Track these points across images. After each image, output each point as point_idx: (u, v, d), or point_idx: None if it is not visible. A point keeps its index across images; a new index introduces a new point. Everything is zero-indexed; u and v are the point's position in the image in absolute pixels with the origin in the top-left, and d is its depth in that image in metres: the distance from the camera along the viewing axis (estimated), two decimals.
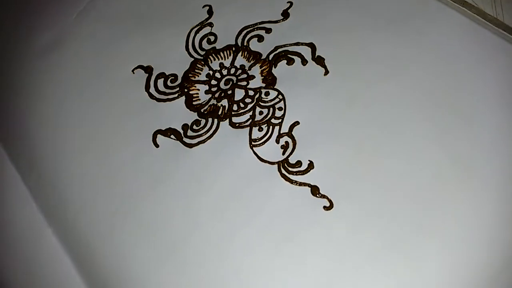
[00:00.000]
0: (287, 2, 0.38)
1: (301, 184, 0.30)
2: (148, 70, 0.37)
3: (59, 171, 0.35)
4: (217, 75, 0.36)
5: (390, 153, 0.31)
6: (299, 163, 0.31)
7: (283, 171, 0.31)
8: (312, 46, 0.35)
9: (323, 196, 0.30)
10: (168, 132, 0.34)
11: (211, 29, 0.38)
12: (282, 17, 0.37)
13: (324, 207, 0.29)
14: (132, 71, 0.38)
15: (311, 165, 0.31)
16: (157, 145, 0.34)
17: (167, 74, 0.37)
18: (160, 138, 0.34)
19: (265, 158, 0.32)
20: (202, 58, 0.37)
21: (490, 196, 0.28)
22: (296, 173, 0.31)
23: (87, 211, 0.34)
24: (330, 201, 0.29)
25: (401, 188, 0.29)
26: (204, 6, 0.39)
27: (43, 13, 0.43)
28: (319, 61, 0.34)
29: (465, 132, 0.30)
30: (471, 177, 0.28)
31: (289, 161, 0.31)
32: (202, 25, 0.39)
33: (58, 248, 0.34)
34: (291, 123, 0.33)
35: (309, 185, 0.30)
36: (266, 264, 0.29)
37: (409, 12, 0.35)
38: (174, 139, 0.34)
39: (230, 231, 0.30)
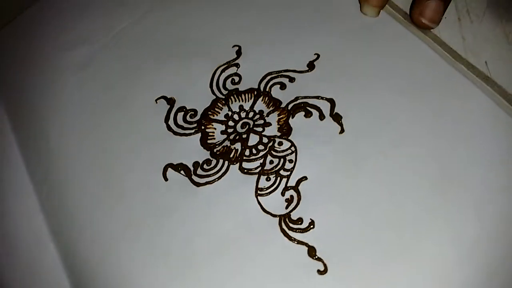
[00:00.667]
0: (314, 54, 0.38)
1: (299, 242, 0.31)
2: (170, 102, 0.38)
3: (69, 187, 0.37)
4: (235, 117, 0.37)
5: (394, 224, 0.30)
6: (300, 220, 0.31)
7: (283, 226, 0.31)
8: (331, 101, 0.35)
9: (319, 259, 0.30)
10: (179, 167, 0.35)
11: (236, 70, 0.39)
12: (307, 68, 0.38)
13: (318, 271, 0.29)
14: (156, 100, 0.39)
15: (312, 224, 0.31)
16: (166, 179, 0.35)
17: (187, 108, 0.38)
18: (170, 172, 0.35)
19: (268, 210, 0.32)
20: (223, 97, 0.38)
21: None
22: (296, 230, 0.31)
23: (91, 231, 0.35)
24: (325, 265, 0.29)
25: (402, 262, 0.29)
26: (233, 46, 0.40)
27: (81, 29, 0.45)
28: (336, 118, 0.35)
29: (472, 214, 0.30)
30: None
31: (291, 216, 0.32)
32: (229, 64, 0.39)
33: (57, 264, 0.35)
34: (299, 178, 0.33)
35: (307, 244, 0.30)
36: None
37: (434, 80, 0.35)
38: (183, 175, 0.35)
39: (222, 277, 0.31)
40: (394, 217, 0.30)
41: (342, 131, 0.34)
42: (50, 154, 0.38)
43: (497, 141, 0.32)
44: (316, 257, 0.30)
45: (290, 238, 0.31)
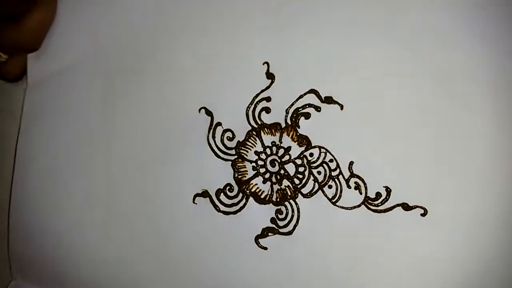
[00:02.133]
0: (263, 64, 0.40)
1: (391, 208, 0.36)
2: (205, 195, 0.42)
3: None
4: (260, 162, 0.40)
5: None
6: (379, 194, 0.37)
7: (372, 207, 0.37)
8: (314, 91, 0.39)
9: (417, 207, 0.36)
10: (265, 232, 0.40)
11: (222, 127, 0.41)
12: (270, 80, 0.40)
13: (421, 214, 0.36)
14: (193, 201, 0.42)
15: (388, 190, 0.37)
16: (265, 248, 0.40)
17: (222, 187, 0.41)
18: (262, 241, 0.40)
19: (350, 207, 0.38)
20: (236, 156, 0.41)
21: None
22: (382, 202, 0.37)
23: None
24: (424, 209, 0.36)
25: None
26: (200, 110, 0.42)
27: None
28: (329, 100, 0.38)
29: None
30: None
31: (370, 196, 0.37)
32: (212, 128, 0.42)
33: None
34: (347, 165, 0.38)
35: (397, 204, 0.36)
36: None
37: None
38: (273, 235, 0.40)
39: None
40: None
41: (342, 107, 0.38)
42: None
43: None
44: (412, 207, 0.36)
45: (383, 211, 0.36)
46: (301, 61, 0.39)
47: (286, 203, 0.39)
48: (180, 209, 0.42)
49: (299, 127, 0.39)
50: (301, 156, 0.39)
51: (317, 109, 0.38)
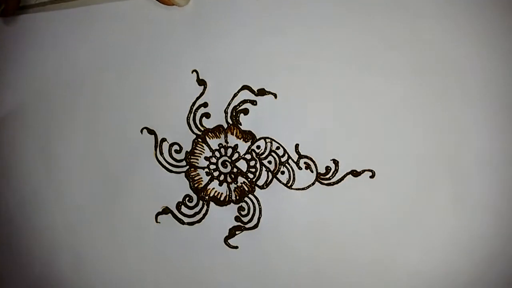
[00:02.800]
0: (192, 72, 0.41)
1: (342, 178, 0.38)
2: (166, 211, 0.42)
3: None
4: (212, 166, 0.41)
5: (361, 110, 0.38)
6: (328, 168, 0.39)
7: (325, 182, 0.39)
8: (247, 87, 0.40)
9: (363, 171, 0.38)
10: (233, 232, 0.41)
11: (170, 140, 0.42)
12: (202, 86, 0.41)
13: (370, 177, 0.38)
14: (156, 220, 0.42)
15: (336, 162, 0.38)
16: (236, 247, 0.41)
17: (180, 200, 0.42)
18: (232, 241, 0.41)
19: (305, 186, 0.39)
20: (188, 166, 0.42)
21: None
22: (333, 175, 0.39)
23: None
24: (371, 171, 0.38)
25: None
26: (142, 130, 0.42)
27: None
28: (262, 92, 0.40)
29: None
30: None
31: (321, 172, 0.39)
32: (159, 145, 0.42)
33: None
34: (294, 149, 0.39)
35: (347, 173, 0.38)
36: None
37: None
38: (241, 232, 0.41)
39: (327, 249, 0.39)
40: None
41: (275, 96, 0.39)
42: None
43: None
44: (361, 171, 0.38)
45: (336, 182, 0.38)
46: (228, 62, 0.40)
47: (246, 199, 0.40)
48: (146, 231, 0.42)
49: (240, 124, 0.40)
50: (249, 150, 0.40)
51: (253, 102, 0.40)
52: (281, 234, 0.39)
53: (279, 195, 0.39)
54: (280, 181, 0.39)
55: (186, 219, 0.41)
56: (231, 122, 0.40)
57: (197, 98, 0.41)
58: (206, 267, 0.41)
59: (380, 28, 0.36)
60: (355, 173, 0.38)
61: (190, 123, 0.41)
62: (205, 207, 0.41)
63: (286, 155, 0.39)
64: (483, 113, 0.35)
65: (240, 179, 0.40)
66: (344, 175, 0.38)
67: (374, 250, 0.37)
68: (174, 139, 0.42)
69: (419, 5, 0.36)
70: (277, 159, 0.40)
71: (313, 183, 0.39)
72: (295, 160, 0.39)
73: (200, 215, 0.41)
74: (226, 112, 0.40)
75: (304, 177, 0.39)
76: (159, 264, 0.42)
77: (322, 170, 0.39)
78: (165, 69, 0.42)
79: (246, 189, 0.40)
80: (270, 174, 0.40)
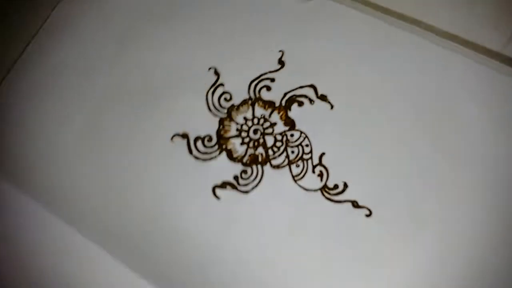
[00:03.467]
0: (279, 51, 0.46)
1: (344, 201, 0.41)
2: (184, 136, 0.45)
3: None
4: (245, 127, 0.44)
5: (395, 154, 0.41)
6: (336, 186, 0.41)
7: (326, 195, 0.41)
8: (313, 87, 0.44)
9: (363, 207, 0.40)
10: (225, 185, 0.43)
11: (223, 89, 0.46)
12: (280, 65, 0.45)
13: (366, 215, 0.40)
14: (171, 139, 0.45)
15: (345, 185, 0.41)
16: (218, 197, 0.42)
17: (202, 136, 0.44)
18: (218, 191, 0.43)
19: (308, 188, 0.41)
20: (226, 115, 0.45)
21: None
22: (336, 194, 0.41)
23: None
24: (369, 209, 0.40)
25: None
26: (209, 69, 0.46)
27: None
28: (323, 98, 0.44)
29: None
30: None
31: (328, 185, 0.41)
32: (214, 87, 0.46)
33: None
34: (319, 155, 0.42)
35: (349, 200, 0.40)
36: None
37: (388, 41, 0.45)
38: (232, 189, 0.42)
39: (296, 252, 0.40)
40: (392, 149, 0.41)
41: (332, 106, 0.43)
42: None
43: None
44: (360, 206, 0.40)
45: (335, 201, 0.40)
46: (311, 59, 0.45)
47: (254, 166, 0.43)
48: (157, 143, 0.44)
49: (290, 110, 0.44)
50: (283, 133, 0.43)
51: (311, 101, 0.44)
52: (262, 208, 0.41)
53: (282, 181, 0.42)
54: (291, 171, 0.42)
55: (195, 152, 0.44)
56: (283, 104, 0.44)
57: (271, 72, 0.45)
58: (183, 202, 0.42)
59: None
60: (355, 204, 0.40)
61: (252, 85, 0.45)
62: (217, 153, 0.43)
63: (310, 154, 0.42)
64: None
65: (260, 150, 0.43)
66: (346, 200, 0.40)
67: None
68: (230, 89, 0.45)
69: None
70: (300, 153, 0.42)
71: (315, 190, 0.41)
72: (314, 164, 0.42)
73: (209, 157, 0.43)
74: (285, 94, 0.44)
75: (312, 181, 0.41)
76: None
77: (330, 184, 0.41)
78: (256, 39, 0.47)
79: (260, 159, 0.43)
80: (287, 160, 0.42)
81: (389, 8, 0.45)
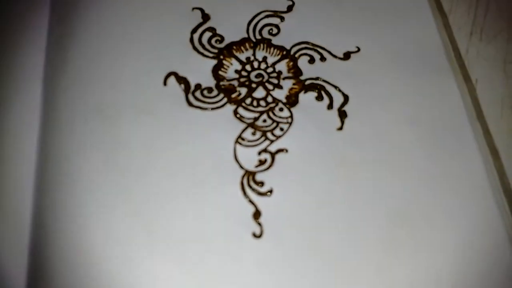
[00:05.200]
0: (356, 47, 0.38)
1: (250, 201, 0.31)
2: (205, 17, 0.38)
3: None
4: (255, 64, 0.37)
5: (340, 229, 0.31)
6: (261, 183, 0.32)
7: (244, 181, 0.32)
8: (346, 98, 0.36)
9: (259, 224, 0.31)
10: (182, 80, 0.35)
11: (279, 22, 0.39)
12: (342, 56, 0.38)
13: (253, 234, 0.30)
14: (193, 8, 0.38)
15: (270, 191, 0.32)
16: (165, 84, 0.35)
17: (216, 32, 0.38)
18: (171, 80, 0.35)
19: (239, 159, 0.33)
20: (254, 41, 0.38)
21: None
22: (254, 189, 0.32)
23: None
24: (261, 232, 0.30)
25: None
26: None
27: None
28: (342, 115, 0.35)
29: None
30: None
31: (256, 176, 0.32)
32: (275, 14, 0.39)
33: None
34: (281, 148, 0.33)
35: (256, 206, 0.31)
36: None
37: None
38: (182, 90, 0.35)
39: (168, 198, 0.31)
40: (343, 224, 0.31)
41: (340, 128, 0.34)
42: None
43: None
44: (258, 221, 0.31)
45: (244, 193, 0.32)
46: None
47: (222, 95, 0.35)
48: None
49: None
50: (277, 101, 0.35)
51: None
52: None
53: (224, 126, 0.34)
54: (242, 131, 0.34)
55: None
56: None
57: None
58: None
59: None
60: (256, 215, 0.31)
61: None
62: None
63: (273, 139, 0.34)
64: None
65: (243, 90, 0.35)
66: (253, 203, 0.31)
67: None
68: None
69: None
70: (268, 128, 0.34)
71: (241, 168, 0.32)
72: (267, 149, 0.33)
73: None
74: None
75: (248, 159, 0.33)
76: None
77: (258, 177, 0.32)
78: None
79: (231, 95, 0.35)
80: (252, 120, 0.34)
81: None
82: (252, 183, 0.32)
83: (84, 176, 0.32)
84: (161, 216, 0.30)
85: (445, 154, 0.33)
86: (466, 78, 0.36)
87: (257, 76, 0.36)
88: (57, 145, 0.33)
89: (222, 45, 0.37)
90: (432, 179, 0.32)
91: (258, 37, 0.38)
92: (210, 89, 0.35)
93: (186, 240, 0.30)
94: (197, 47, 0.37)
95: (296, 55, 0.37)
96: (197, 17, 0.38)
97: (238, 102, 0.35)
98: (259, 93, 0.36)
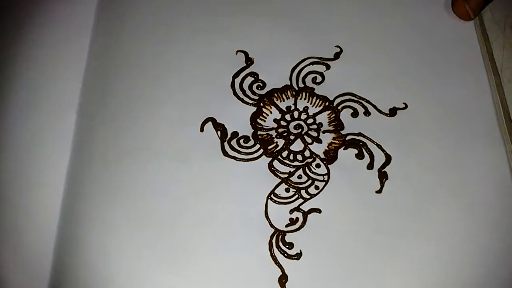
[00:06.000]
0: (403, 103, 0.36)
1: (277, 263, 0.30)
2: (249, 61, 0.37)
3: None
4: (295, 114, 0.36)
5: None
6: (291, 245, 0.31)
7: (273, 240, 0.31)
8: (388, 158, 0.34)
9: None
10: (219, 127, 0.35)
11: (324, 70, 0.37)
12: (388, 113, 0.36)
13: None
14: (237, 52, 0.38)
15: (298, 255, 0.31)
16: (202, 130, 0.34)
17: (259, 77, 0.37)
18: (209, 126, 0.35)
19: (270, 217, 0.32)
20: (297, 89, 0.37)
21: None
22: (282, 251, 0.31)
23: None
24: None
25: None
26: (336, 46, 0.38)
27: None
28: (382, 176, 0.33)
29: None
30: None
31: (285, 237, 0.31)
32: (322, 61, 0.38)
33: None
34: (314, 207, 0.32)
35: (283, 270, 0.30)
36: None
37: None
38: (218, 137, 0.34)
39: (187, 255, 0.31)
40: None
41: (379, 191, 0.32)
42: None
43: None
44: (284, 285, 0.29)
45: (272, 254, 0.30)
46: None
47: (258, 146, 0.34)
48: None
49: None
50: (315, 155, 0.34)
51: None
52: None
53: (258, 182, 0.33)
54: (275, 187, 0.33)
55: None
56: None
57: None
58: None
59: None
60: (282, 280, 0.30)
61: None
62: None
63: (307, 197, 0.32)
64: None
65: (280, 142, 0.34)
66: (283, 267, 0.30)
67: None
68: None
69: None
70: (303, 185, 0.33)
71: (271, 226, 0.31)
72: (299, 207, 0.32)
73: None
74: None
75: (279, 218, 0.32)
76: None
77: (288, 239, 0.31)
78: None
79: (268, 146, 0.34)
80: (286, 175, 0.33)
81: None
82: (281, 244, 0.31)
83: (109, 219, 0.31)
84: (186, 270, 0.30)
85: (487, 231, 0.31)
86: None
87: (296, 127, 0.35)
88: (85, 183, 0.33)
89: (263, 92, 0.36)
90: (471, 259, 0.30)
91: (301, 85, 0.37)
92: (247, 138, 0.34)
93: None
94: (238, 93, 0.36)
95: (339, 107, 0.36)
96: (241, 61, 0.37)
97: (275, 155, 0.34)
98: (297, 146, 0.34)
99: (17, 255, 0.31)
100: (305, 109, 0.36)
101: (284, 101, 0.36)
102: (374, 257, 0.30)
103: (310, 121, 0.35)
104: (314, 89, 0.37)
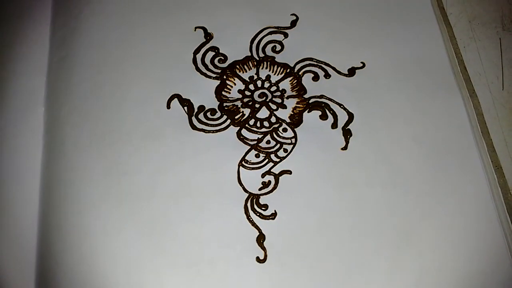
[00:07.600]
0: (361, 62, 0.37)
1: (253, 225, 0.32)
2: (208, 36, 0.38)
3: None
4: (259, 83, 0.37)
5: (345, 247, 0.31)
6: (265, 206, 0.32)
7: (248, 204, 0.32)
8: (351, 116, 0.35)
9: (263, 248, 0.31)
10: (185, 102, 0.35)
11: (283, 39, 0.38)
12: (347, 73, 0.37)
13: (257, 258, 0.31)
14: (195, 28, 0.38)
15: (273, 215, 0.32)
16: (168, 107, 0.35)
17: (219, 51, 0.37)
18: (175, 103, 0.35)
19: (243, 182, 0.33)
20: (257, 59, 0.37)
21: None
22: (257, 213, 0.32)
23: None
24: (265, 256, 0.31)
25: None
26: (291, 14, 0.39)
27: None
28: (346, 133, 0.35)
29: None
30: None
31: (259, 199, 0.32)
32: (279, 30, 0.39)
33: None
34: (284, 169, 0.33)
35: (259, 230, 0.31)
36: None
37: None
38: (185, 112, 0.35)
39: (172, 218, 0.32)
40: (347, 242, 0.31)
41: (345, 148, 0.34)
42: None
43: None
44: (262, 245, 0.31)
45: (248, 217, 0.32)
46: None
47: (225, 117, 0.35)
48: None
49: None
50: (280, 120, 0.35)
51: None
52: None
53: (227, 151, 0.34)
54: (246, 153, 0.34)
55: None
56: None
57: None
58: None
59: None
60: (260, 241, 0.31)
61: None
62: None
63: (277, 160, 0.33)
64: None
65: (246, 111, 0.35)
66: (257, 227, 0.31)
67: None
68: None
69: None
70: (272, 149, 0.34)
71: (245, 191, 0.32)
72: (270, 170, 0.33)
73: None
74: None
75: (252, 182, 0.33)
76: None
77: (263, 200, 0.32)
78: None
79: (235, 116, 0.35)
80: (255, 142, 0.34)
81: None
82: (256, 207, 0.32)
83: (89, 201, 0.32)
84: (166, 240, 0.31)
85: (450, 173, 0.33)
86: (472, 93, 0.35)
87: (260, 95, 0.36)
88: (61, 171, 0.33)
89: (225, 65, 0.37)
90: (437, 198, 0.32)
91: (261, 55, 0.38)
92: (213, 111, 0.35)
93: (191, 263, 0.30)
94: (200, 68, 0.37)
95: (300, 73, 0.37)
96: (201, 37, 0.38)
97: (242, 124, 0.35)
98: (263, 113, 0.35)
99: (2, 246, 0.32)
100: (268, 78, 0.37)
101: (246, 72, 0.37)
102: (344, 209, 0.32)
103: (273, 88, 0.36)
104: (274, 57, 0.38)
